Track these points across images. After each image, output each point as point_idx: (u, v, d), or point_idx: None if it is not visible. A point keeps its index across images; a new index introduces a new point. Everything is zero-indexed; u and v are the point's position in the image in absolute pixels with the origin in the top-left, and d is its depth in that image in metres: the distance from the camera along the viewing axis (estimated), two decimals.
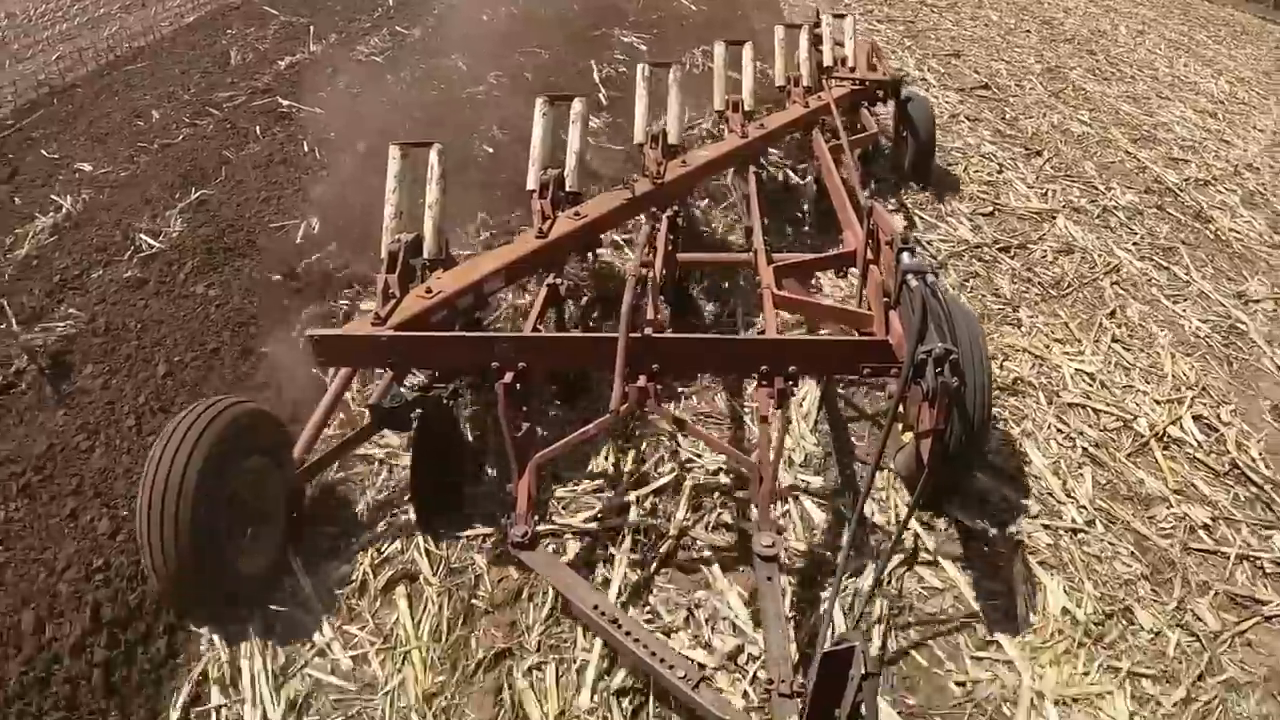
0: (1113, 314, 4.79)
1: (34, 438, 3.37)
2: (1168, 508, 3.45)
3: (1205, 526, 3.38)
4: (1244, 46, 12.17)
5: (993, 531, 3.17)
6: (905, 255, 2.77)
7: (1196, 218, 6.16)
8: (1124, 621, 2.92)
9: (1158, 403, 4.07)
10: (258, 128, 6.37)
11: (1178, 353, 4.48)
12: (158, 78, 7.57)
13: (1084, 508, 3.35)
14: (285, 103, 6.78)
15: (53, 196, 5.36)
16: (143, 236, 4.85)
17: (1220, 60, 10.97)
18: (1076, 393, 4.06)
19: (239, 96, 7.00)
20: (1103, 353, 4.40)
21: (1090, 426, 3.85)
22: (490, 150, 5.79)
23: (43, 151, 6.09)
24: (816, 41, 5.84)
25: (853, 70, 5.79)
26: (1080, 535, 3.24)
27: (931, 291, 2.56)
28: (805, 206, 5.18)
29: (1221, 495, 3.55)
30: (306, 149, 5.98)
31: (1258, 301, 5.14)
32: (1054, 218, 5.81)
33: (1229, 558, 3.24)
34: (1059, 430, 3.79)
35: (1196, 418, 3.99)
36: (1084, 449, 3.68)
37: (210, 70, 7.71)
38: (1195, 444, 3.83)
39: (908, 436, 3.11)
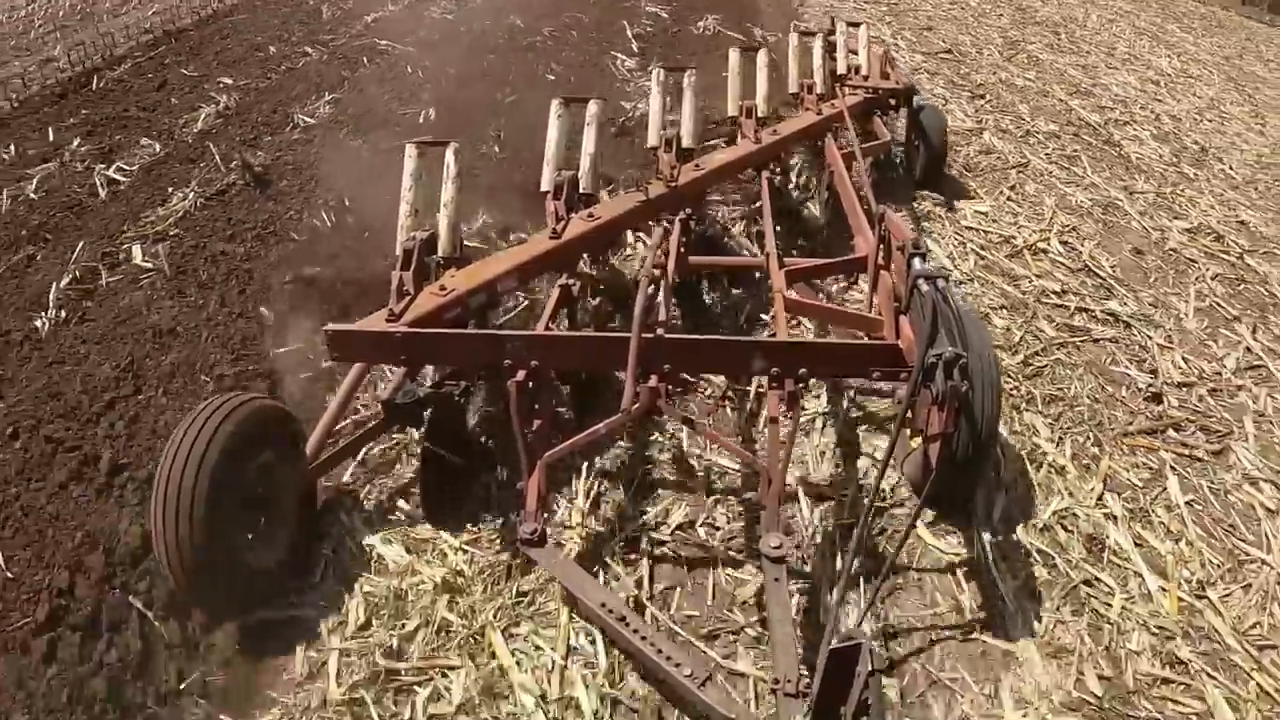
0: (1013, 187, 6.22)
1: (258, 215, 5.07)
2: (1029, 282, 4.95)
3: (1056, 293, 4.86)
4: (1212, 36, 12.89)
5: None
6: (917, 260, 2.79)
7: (1106, 143, 7.50)
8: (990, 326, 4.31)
9: (1034, 232, 5.54)
10: (364, 58, 7.83)
11: (1059, 210, 5.94)
12: (259, 27, 8.84)
13: (965, 273, 4.91)
14: (383, 42, 8.22)
15: (211, 95, 6.86)
16: (300, 116, 6.46)
17: (1183, 46, 11.75)
18: (973, 222, 5.54)
19: (339, 39, 8.39)
20: (999, 205, 5.88)
21: (978, 239, 5.34)
22: (552, 78, 7.39)
23: (183, 71, 7.48)
24: (830, 49, 5.87)
25: (866, 78, 5.81)
26: (961, 285, 4.72)
27: (943, 297, 2.58)
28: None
29: (1073, 281, 5.03)
30: (409, 71, 7.48)
31: (1141, 193, 6.53)
32: (981, 134, 7.13)
33: (1069, 309, 4.74)
34: (955, 239, 5.30)
35: (1064, 242, 5.49)
36: (972, 249, 5.19)
37: (306, 22, 9.01)
38: (1058, 254, 5.32)
39: (916, 442, 3.12)
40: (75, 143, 5.93)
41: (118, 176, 5.51)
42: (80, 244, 4.68)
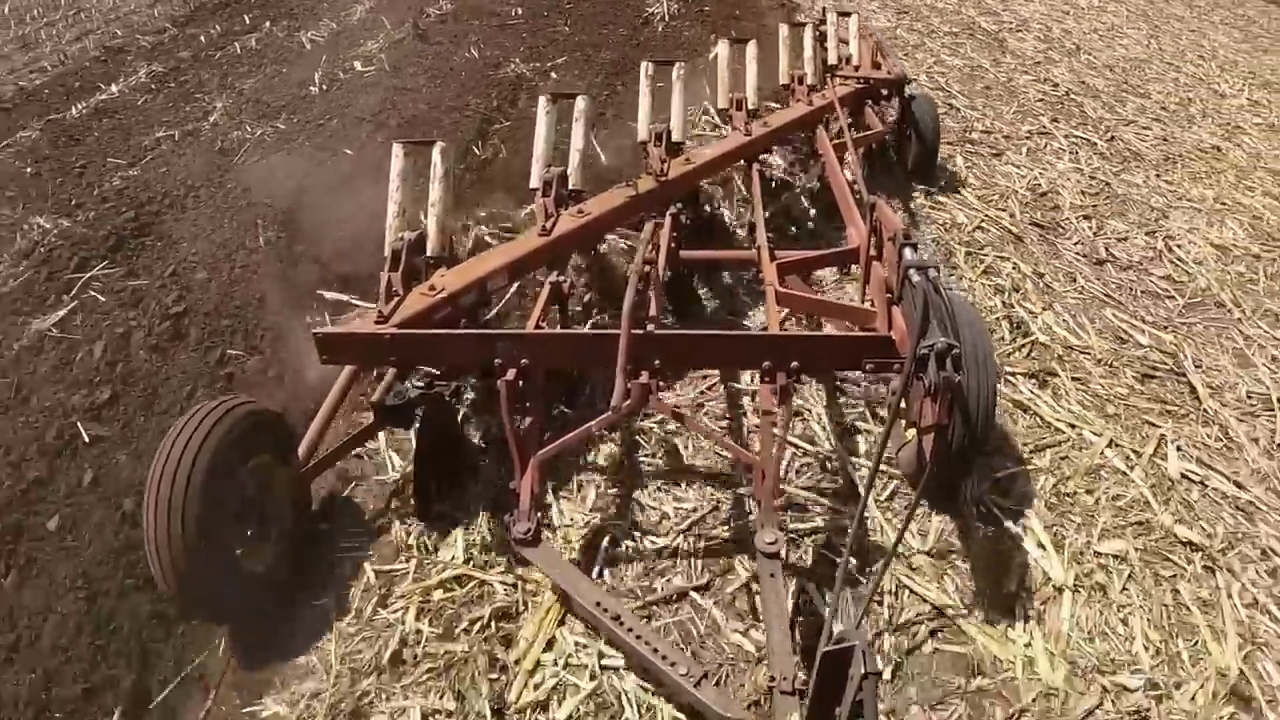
0: (906, 54, 8.28)
1: (427, 56, 7.54)
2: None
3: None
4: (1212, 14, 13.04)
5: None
6: (908, 251, 2.77)
7: (993, 39, 9.47)
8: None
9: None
10: None
11: (935, 66, 8.21)
12: None
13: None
14: None
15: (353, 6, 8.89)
16: (429, 10, 8.68)
17: (1152, 11, 12.40)
18: None
19: None
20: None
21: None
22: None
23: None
24: (821, 39, 5.84)
25: (857, 68, 5.77)
26: None
27: (934, 287, 2.56)
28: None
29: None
30: None
31: (1006, 65, 8.72)
32: (896, 31, 9.07)
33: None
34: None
35: (930, 77, 7.79)
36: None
37: None
38: (924, 83, 7.48)
39: (911, 432, 3.11)
40: (267, 24, 8.41)
41: (316, 38, 7.97)
42: (323, 58, 7.42)
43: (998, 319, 4.44)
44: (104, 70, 7.40)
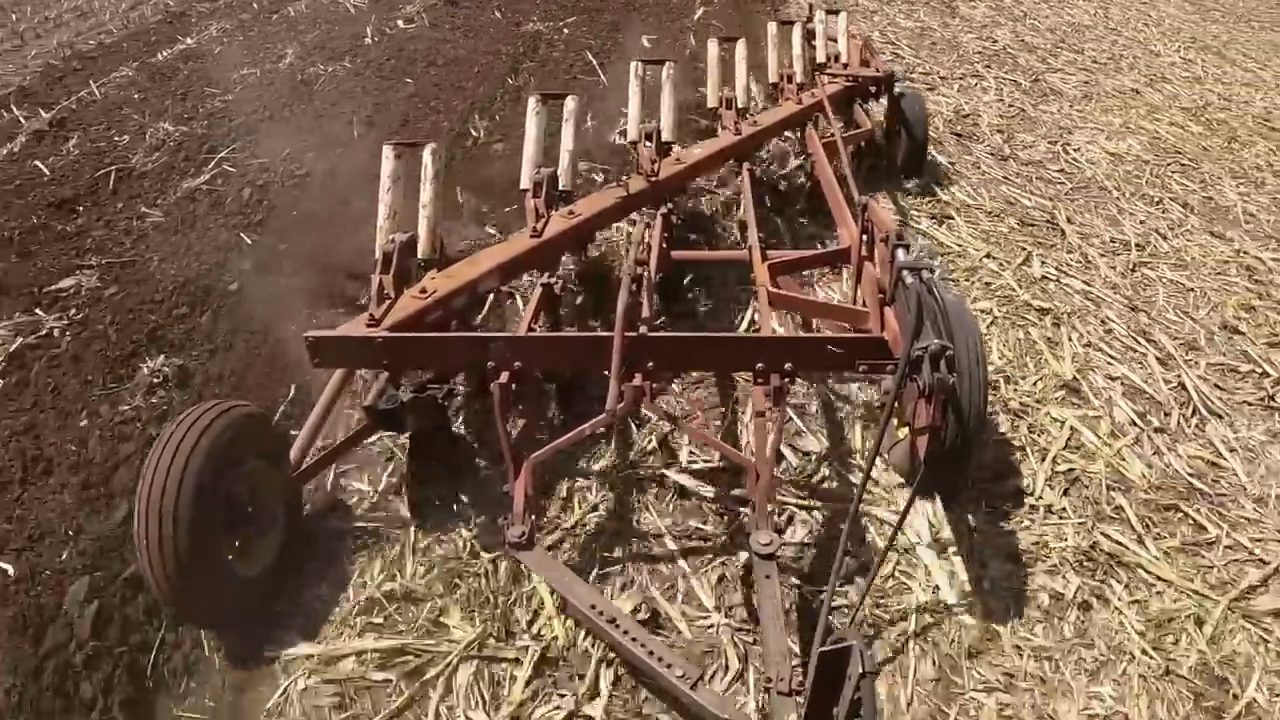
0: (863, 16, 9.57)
1: (458, 16, 8.90)
2: None
3: None
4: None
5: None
6: (900, 251, 2.77)
7: (945, 5, 10.57)
8: None
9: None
10: None
11: (886, 30, 9.35)
12: None
13: None
14: None
15: None
16: None
17: None
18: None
19: None
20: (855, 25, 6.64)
21: None
22: None
23: None
24: (810, 38, 5.84)
25: (846, 66, 5.78)
26: None
27: (927, 288, 2.56)
28: None
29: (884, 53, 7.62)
30: None
31: (955, 26, 9.74)
32: (857, 1, 10.18)
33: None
34: None
35: (882, 37, 8.95)
36: None
37: None
38: (878, 43, 7.95)
39: (904, 433, 3.11)
40: None
41: (358, 4, 9.11)
42: (370, 19, 8.56)
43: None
44: (171, 30, 8.67)
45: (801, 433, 3.56)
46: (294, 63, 7.50)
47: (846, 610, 2.79)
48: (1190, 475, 3.53)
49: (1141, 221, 5.70)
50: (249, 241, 4.75)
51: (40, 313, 4.07)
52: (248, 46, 8.00)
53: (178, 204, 5.16)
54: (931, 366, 2.47)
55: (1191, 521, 3.32)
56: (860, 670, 1.72)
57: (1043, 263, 4.97)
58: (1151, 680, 2.70)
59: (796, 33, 5.68)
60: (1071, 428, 3.68)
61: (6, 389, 3.61)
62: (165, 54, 7.83)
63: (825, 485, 3.32)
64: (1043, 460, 3.49)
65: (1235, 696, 2.68)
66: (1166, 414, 3.86)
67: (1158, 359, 4.23)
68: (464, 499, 3.16)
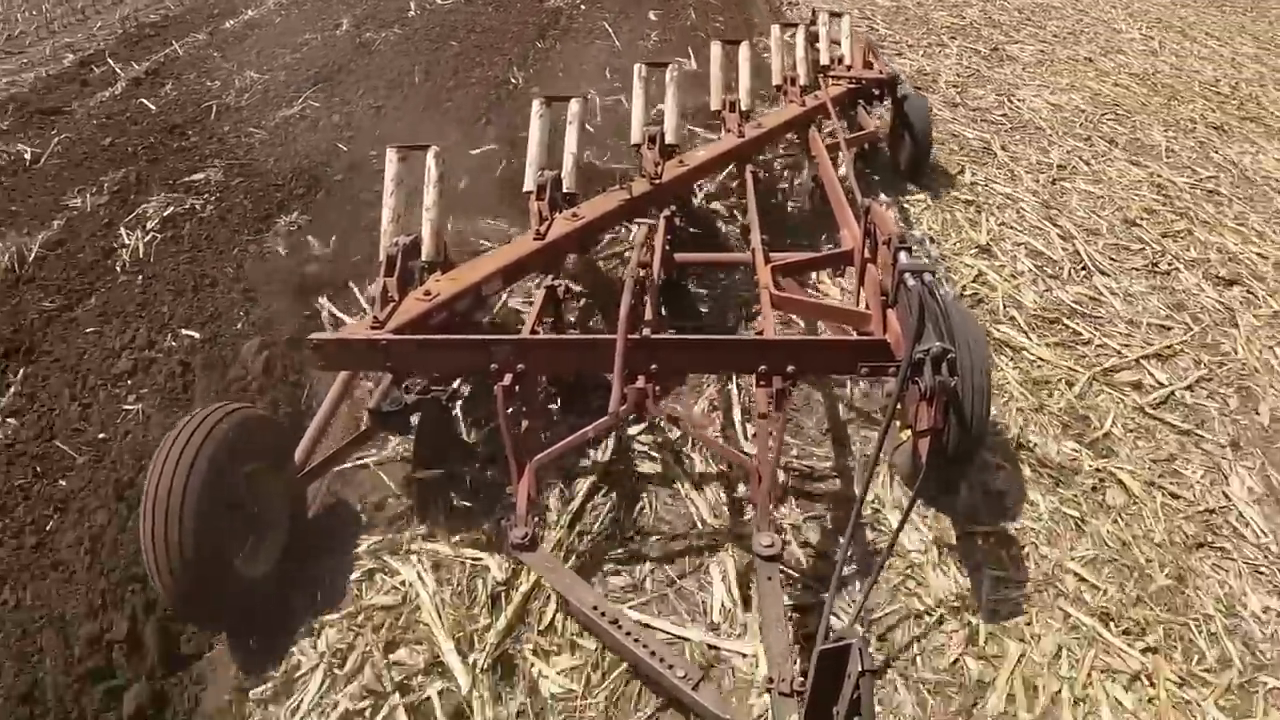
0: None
1: None
2: None
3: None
4: None
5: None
6: (903, 254, 2.78)
7: None
8: None
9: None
10: None
11: (861, 10, 10.05)
12: None
13: None
14: None
15: None
16: None
17: None
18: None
19: None
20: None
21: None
22: None
23: None
24: (813, 40, 5.85)
25: (849, 69, 5.79)
26: None
27: (929, 291, 2.57)
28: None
29: (861, 26, 8.16)
30: None
31: (926, 4, 10.71)
32: None
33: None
34: None
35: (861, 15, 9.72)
36: None
37: None
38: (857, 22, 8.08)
39: (906, 434, 3.12)
40: None
41: None
42: None
43: None
44: (231, 3, 9.62)
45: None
46: (350, 30, 8.60)
47: (848, 610, 2.80)
48: (1074, 304, 4.64)
49: (1068, 152, 6.65)
50: (344, 149, 5.84)
51: (180, 194, 5.24)
52: (305, 17, 9.10)
53: (277, 127, 6.25)
54: (933, 369, 2.48)
55: (1070, 330, 4.42)
56: (860, 668, 1.73)
57: (973, 175, 6.04)
58: (1028, 413, 3.77)
59: (800, 35, 5.69)
60: (979, 270, 4.82)
61: (166, 240, 4.79)
62: (231, 23, 8.86)
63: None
64: (953, 287, 4.59)
65: (1095, 428, 3.73)
66: (1060, 268, 4.95)
67: (1059, 236, 5.31)
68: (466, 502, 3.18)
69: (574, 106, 4.08)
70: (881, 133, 5.69)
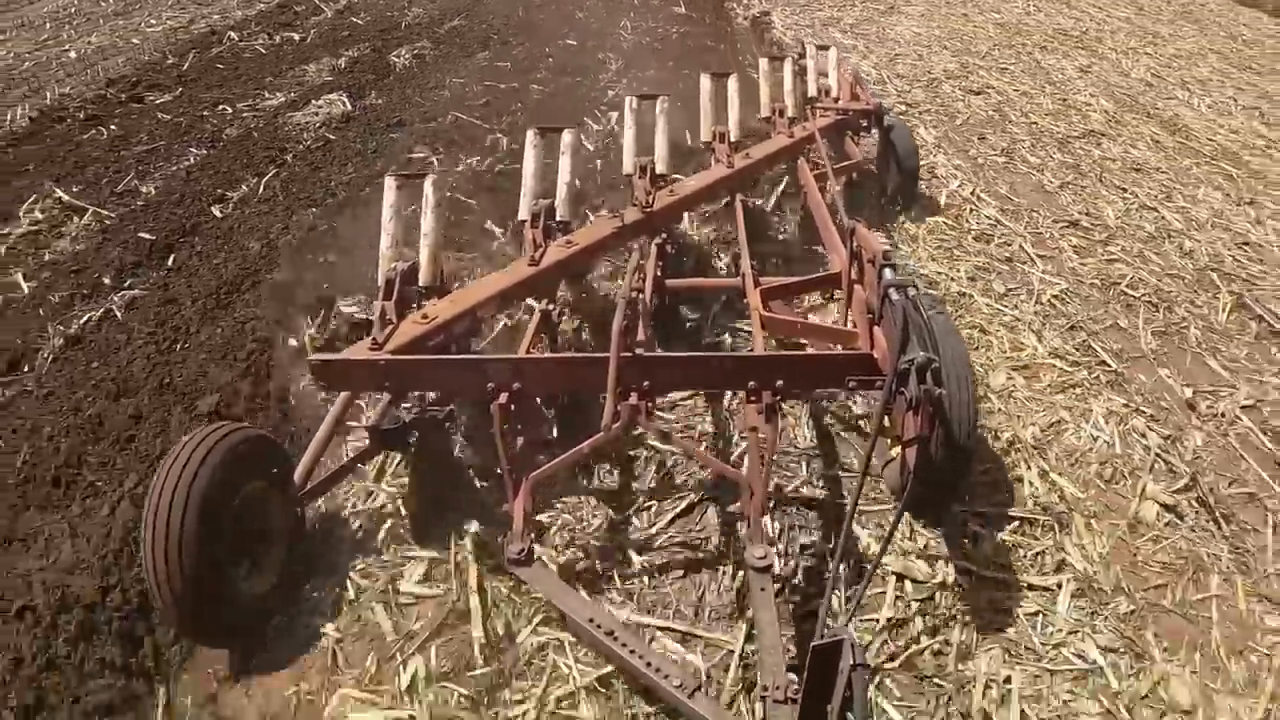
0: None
1: None
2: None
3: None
4: None
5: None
6: (887, 271, 2.85)
7: None
8: None
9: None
10: None
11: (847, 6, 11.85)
12: None
13: None
14: None
15: None
16: None
17: None
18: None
19: None
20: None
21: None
22: None
23: None
24: (800, 72, 5.98)
25: (836, 100, 5.91)
26: None
27: (913, 304, 2.64)
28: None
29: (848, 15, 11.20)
30: None
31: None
32: None
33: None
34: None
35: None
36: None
37: None
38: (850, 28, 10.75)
39: (895, 450, 3.17)
40: None
41: None
42: None
43: None
44: None
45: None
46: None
47: (841, 618, 2.83)
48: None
49: (911, 58, 9.42)
50: (494, 38, 9.48)
51: (410, 47, 9.16)
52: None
53: (444, 36, 9.77)
54: (918, 379, 2.54)
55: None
56: (851, 662, 1.77)
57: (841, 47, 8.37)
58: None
59: (787, 68, 5.82)
60: None
61: (419, 61, 8.78)
62: (334, 6, 11.27)
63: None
64: None
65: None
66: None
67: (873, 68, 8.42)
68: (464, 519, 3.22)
69: (567, 136, 4.17)
70: (866, 164, 5.80)
